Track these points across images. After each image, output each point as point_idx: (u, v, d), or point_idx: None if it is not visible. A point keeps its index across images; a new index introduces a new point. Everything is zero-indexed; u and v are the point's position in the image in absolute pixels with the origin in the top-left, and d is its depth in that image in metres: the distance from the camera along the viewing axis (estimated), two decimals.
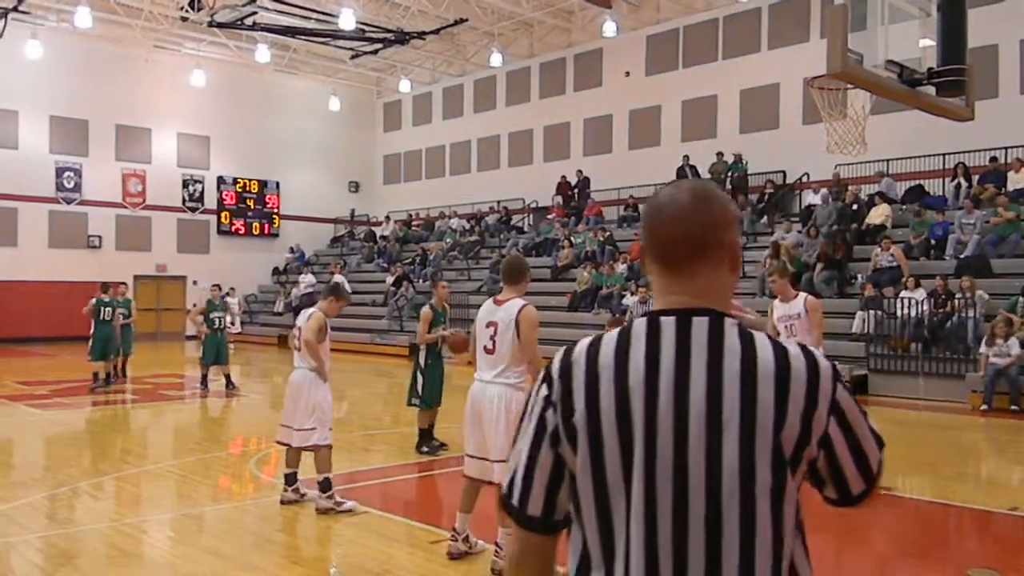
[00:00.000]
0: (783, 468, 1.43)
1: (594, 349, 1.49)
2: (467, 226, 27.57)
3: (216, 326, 14.52)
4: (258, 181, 30.57)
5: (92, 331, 14.69)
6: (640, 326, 1.48)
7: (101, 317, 14.68)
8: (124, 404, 13.86)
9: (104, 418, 12.70)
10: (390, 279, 25.21)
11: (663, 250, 1.52)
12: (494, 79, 28.86)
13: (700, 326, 1.45)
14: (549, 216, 25.58)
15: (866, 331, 15.12)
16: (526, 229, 26.41)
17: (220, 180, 29.74)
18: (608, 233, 22.37)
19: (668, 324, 1.46)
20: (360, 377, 18.73)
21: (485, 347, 5.47)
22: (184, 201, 29.08)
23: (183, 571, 5.59)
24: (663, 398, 1.41)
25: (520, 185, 27.43)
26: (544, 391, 1.52)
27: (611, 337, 1.50)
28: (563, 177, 25.61)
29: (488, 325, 5.44)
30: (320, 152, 31.85)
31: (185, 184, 29.10)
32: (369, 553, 5.94)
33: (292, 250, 31.02)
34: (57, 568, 5.72)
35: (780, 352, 1.44)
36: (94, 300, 14.79)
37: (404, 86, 29.97)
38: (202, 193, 29.42)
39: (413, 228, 29.77)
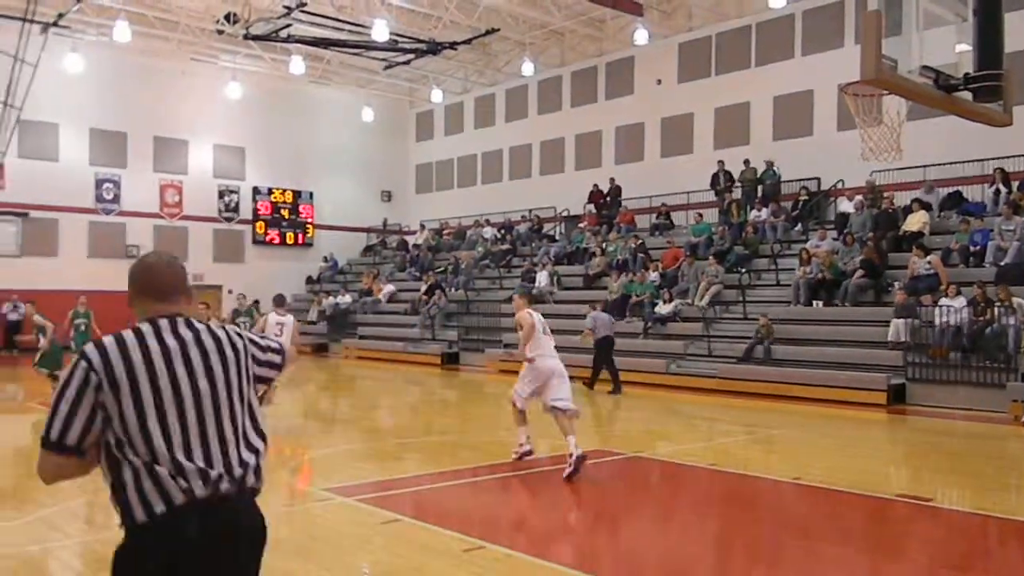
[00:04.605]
0: (244, 386, 2.57)
1: (120, 340, 2.43)
2: (499, 235, 27.62)
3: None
4: (292, 191, 30.91)
5: None
6: (145, 326, 2.49)
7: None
8: None
9: None
10: (422, 288, 25.32)
11: (160, 288, 2.58)
12: (525, 88, 28.92)
13: (183, 323, 2.53)
14: (581, 224, 25.55)
15: (903, 340, 14.89)
16: (557, 237, 26.41)
17: (255, 190, 30.12)
18: (640, 241, 22.29)
19: (164, 323, 2.51)
20: (392, 385, 18.82)
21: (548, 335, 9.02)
22: (220, 211, 29.49)
23: None
24: (176, 358, 2.44)
25: (552, 193, 27.44)
26: (85, 368, 2.39)
27: (128, 333, 2.45)
28: (595, 185, 25.57)
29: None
30: (353, 162, 32.14)
31: (221, 195, 29.50)
32: (402, 561, 5.95)
33: (326, 259, 31.29)
34: (95, 573, 5.80)
35: (221, 333, 2.58)
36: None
37: (436, 96, 30.15)
38: (237, 203, 29.81)
39: (445, 237, 29.89)
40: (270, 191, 30.43)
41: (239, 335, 2.63)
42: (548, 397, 8.82)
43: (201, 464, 2.39)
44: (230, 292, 27.45)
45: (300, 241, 31.25)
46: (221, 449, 2.44)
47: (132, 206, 27.41)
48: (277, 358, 2.75)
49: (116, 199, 27.19)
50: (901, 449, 11.84)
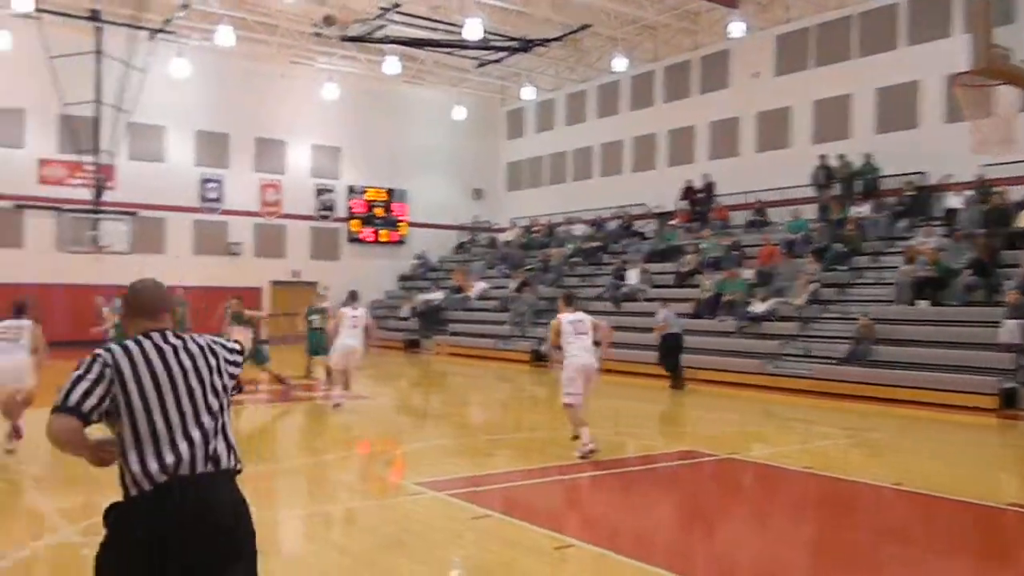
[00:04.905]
0: (222, 388, 3.06)
1: (126, 348, 2.95)
2: (589, 232, 27.49)
3: (314, 325, 16.62)
4: (386, 190, 31.47)
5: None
6: (141, 338, 3.00)
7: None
8: (257, 403, 14.48)
9: (239, 417, 13.30)
10: (513, 285, 25.42)
11: (150, 309, 3.11)
12: (617, 84, 28.69)
13: (171, 335, 3.04)
14: (672, 221, 25.20)
15: (1016, 342, 14.14)
16: (649, 235, 26.12)
17: (350, 189, 30.79)
18: (734, 238, 21.84)
19: (156, 336, 3.02)
20: (482, 382, 18.96)
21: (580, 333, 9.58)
22: (316, 210, 30.25)
23: (314, 567, 5.78)
24: (168, 363, 2.96)
25: (643, 190, 27.15)
26: (103, 363, 2.91)
27: (131, 342, 2.98)
28: (688, 181, 25.18)
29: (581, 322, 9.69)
30: (445, 160, 32.50)
31: (318, 193, 30.28)
32: (493, 557, 5.98)
33: (418, 257, 31.77)
34: None
35: (201, 341, 3.10)
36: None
37: (528, 93, 30.21)
38: (333, 202, 30.53)
39: (535, 234, 29.94)
40: (364, 190, 31.06)
41: (213, 344, 3.15)
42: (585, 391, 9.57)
43: (192, 449, 2.89)
44: (326, 288, 28.15)
45: (393, 239, 31.79)
46: (203, 438, 2.93)
47: (233, 205, 28.40)
48: (239, 357, 3.25)
49: (219, 198, 28.22)
50: (1012, 456, 11.27)
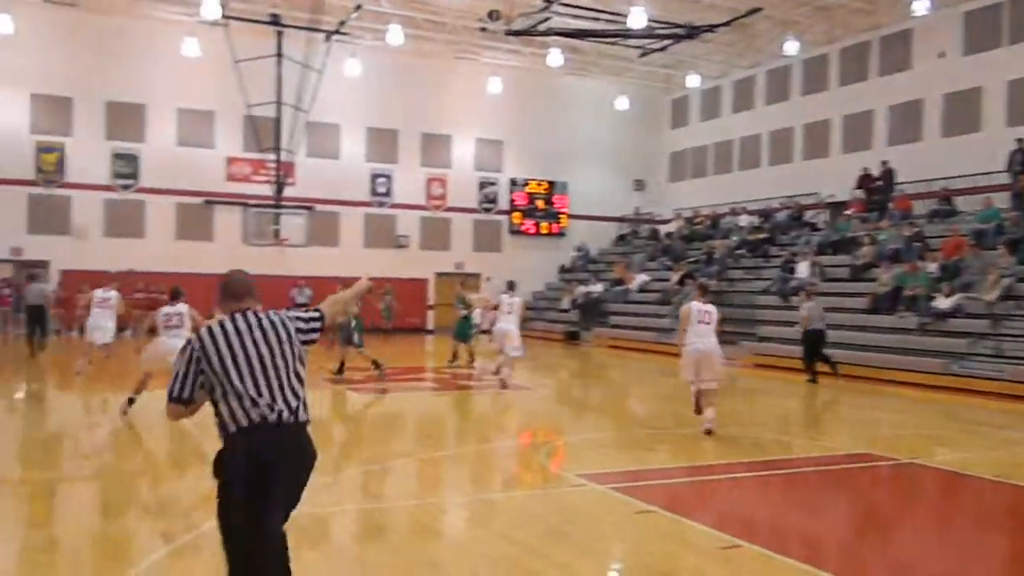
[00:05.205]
0: (297, 356, 3.82)
1: (212, 329, 3.75)
2: (756, 223, 26.57)
3: (461, 314, 18.14)
4: (547, 182, 31.65)
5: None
6: (229, 317, 3.80)
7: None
8: (423, 391, 14.92)
9: (407, 403, 13.75)
10: (674, 277, 24.95)
11: (237, 294, 3.90)
12: (789, 68, 27.55)
13: (251, 315, 3.83)
14: (847, 211, 23.93)
15: None
16: (821, 226, 24.94)
17: (512, 182, 31.18)
18: (916, 229, 20.48)
19: (239, 316, 3.83)
20: (643, 376, 18.71)
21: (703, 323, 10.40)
22: (480, 203, 30.85)
23: (479, 553, 5.87)
24: (247, 337, 3.75)
25: (815, 179, 25.96)
26: (190, 350, 3.76)
27: (217, 322, 3.79)
28: (864, 169, 23.82)
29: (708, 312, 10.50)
30: (606, 151, 32.32)
31: (481, 187, 30.86)
32: (656, 553, 5.87)
33: (578, 249, 31.77)
34: (369, 539, 6.25)
35: (275, 318, 3.85)
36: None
37: (693, 81, 29.53)
38: (496, 195, 31.03)
39: (698, 225, 29.26)
40: (526, 182, 31.36)
41: (287, 319, 3.91)
42: (702, 376, 10.37)
43: (268, 401, 3.69)
44: (488, 279, 28.67)
45: (554, 231, 31.94)
46: (280, 393, 3.73)
47: (401, 199, 29.41)
48: (317, 324, 4.00)
49: (388, 192, 29.31)
50: None
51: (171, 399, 3.76)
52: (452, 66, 29.22)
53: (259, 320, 3.83)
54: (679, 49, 27.65)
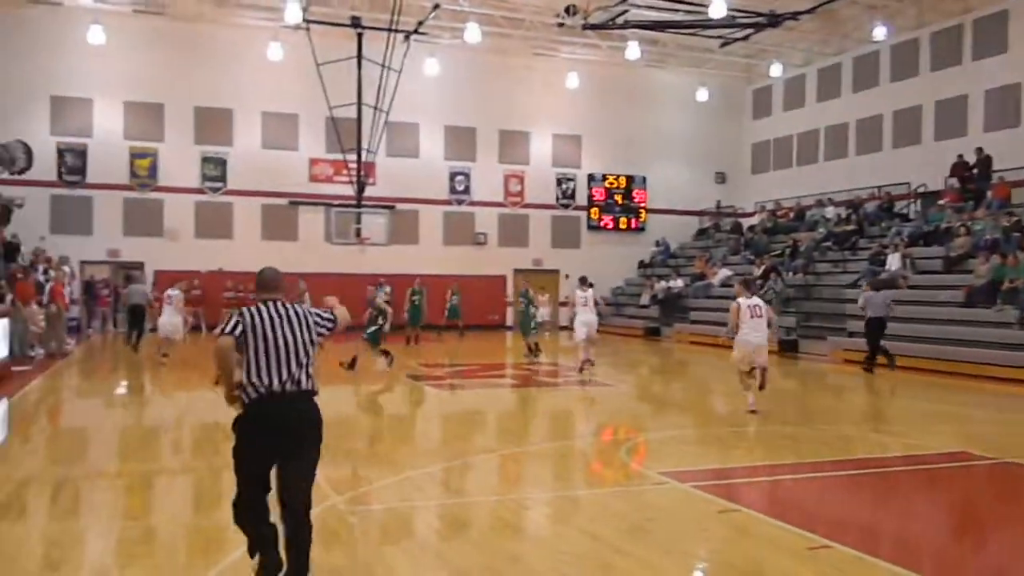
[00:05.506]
0: (310, 341, 4.74)
1: (248, 311, 4.67)
2: (843, 214, 25.79)
3: (522, 309, 19.47)
4: (626, 176, 31.35)
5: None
6: (261, 304, 4.72)
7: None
8: (504, 388, 14.96)
9: (488, 400, 13.81)
10: (757, 272, 24.42)
11: (267, 286, 4.85)
12: (876, 55, 26.66)
13: (280, 304, 4.76)
14: (941, 201, 23.02)
15: None
16: (912, 216, 24.05)
17: (590, 177, 30.99)
18: (1016, 218, 19.56)
19: (269, 304, 4.75)
20: (726, 372, 18.32)
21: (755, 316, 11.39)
22: (557, 199, 30.76)
23: (561, 549, 5.83)
24: (275, 322, 4.67)
25: (905, 168, 25.06)
26: (235, 319, 4.69)
27: (252, 307, 4.70)
28: (959, 156, 22.87)
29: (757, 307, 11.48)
30: (686, 144, 31.83)
31: (559, 182, 30.77)
32: (740, 552, 5.76)
33: (657, 243, 31.39)
34: (452, 534, 6.28)
35: (299, 309, 4.79)
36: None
37: (775, 70, 28.84)
38: (574, 190, 30.90)
39: (782, 218, 28.56)
40: (604, 177, 31.13)
41: (308, 312, 4.81)
42: (756, 362, 11.56)
43: (284, 376, 4.61)
44: (567, 277, 28.58)
45: (633, 226, 31.63)
46: (288, 370, 4.63)
47: (480, 196, 29.57)
48: (330, 323, 4.92)
49: (467, 190, 29.50)
50: None
51: (223, 333, 4.68)
52: (530, 62, 29.22)
53: (287, 310, 4.75)
54: (761, 38, 27.05)
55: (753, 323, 11.34)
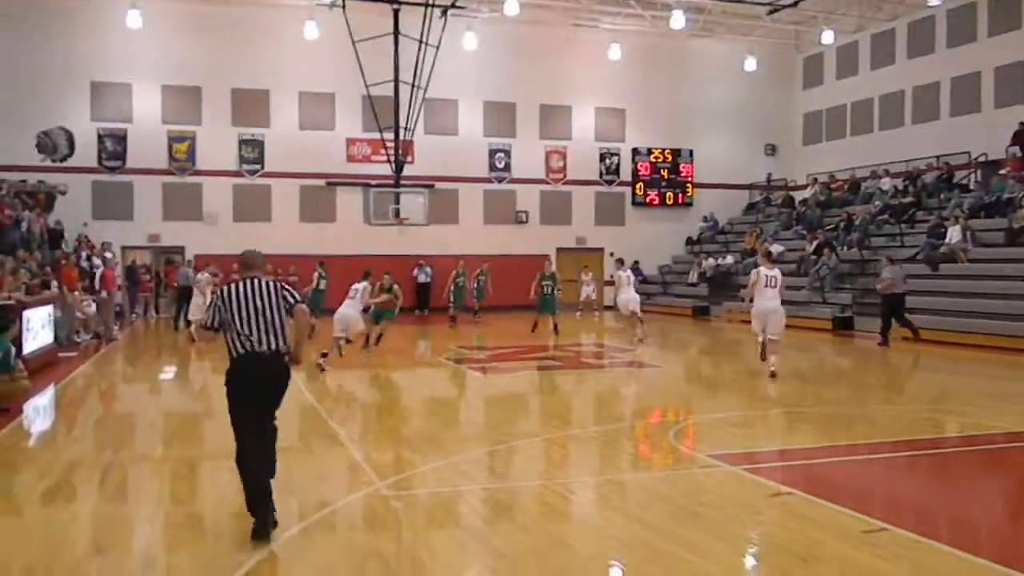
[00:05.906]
0: (281, 309, 5.77)
1: (230, 286, 5.83)
2: (900, 186, 25.02)
3: (545, 292, 19.93)
4: (672, 150, 30.75)
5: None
6: (241, 281, 5.82)
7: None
8: (548, 370, 14.76)
9: (532, 383, 13.63)
10: (810, 247, 23.82)
11: (248, 265, 5.96)
12: (932, 19, 25.73)
13: (257, 281, 5.83)
14: (1003, 171, 22.16)
15: None
16: (972, 187, 23.23)
17: (635, 152, 30.45)
18: None
19: (248, 279, 5.84)
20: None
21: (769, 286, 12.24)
22: (601, 175, 30.29)
23: (609, 534, 5.68)
24: (250, 294, 5.74)
25: (965, 137, 24.14)
26: (216, 297, 5.93)
27: (236, 283, 5.85)
28: (1021, 124, 22.00)
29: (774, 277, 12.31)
30: (734, 116, 31.08)
31: (602, 158, 30.28)
32: (794, 536, 5.55)
33: (705, 219, 30.80)
34: (497, 518, 6.14)
35: (270, 285, 5.83)
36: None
37: (827, 37, 27.96)
38: (618, 166, 30.38)
39: (835, 191, 27.81)
40: (649, 151, 30.56)
41: (279, 286, 5.81)
42: (767, 331, 12.36)
43: (258, 338, 5.60)
44: (611, 255, 28.22)
45: (679, 201, 31.04)
46: (266, 334, 5.62)
47: (520, 173, 29.21)
48: (292, 299, 5.79)
49: (507, 167, 29.17)
50: None
51: (205, 328, 5.87)
52: (570, 34, 28.69)
53: (261, 284, 5.74)
54: (810, 4, 26.22)
55: (767, 292, 12.23)
